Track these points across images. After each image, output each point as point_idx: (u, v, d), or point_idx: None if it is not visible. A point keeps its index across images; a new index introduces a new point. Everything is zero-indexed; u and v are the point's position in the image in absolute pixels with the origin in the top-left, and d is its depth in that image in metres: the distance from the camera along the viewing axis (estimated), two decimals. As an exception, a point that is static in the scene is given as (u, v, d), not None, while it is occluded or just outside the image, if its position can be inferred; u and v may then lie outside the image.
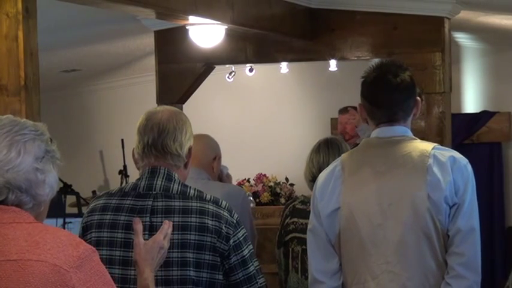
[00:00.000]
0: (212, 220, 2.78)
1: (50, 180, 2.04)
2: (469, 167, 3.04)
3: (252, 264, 2.84)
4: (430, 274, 2.99)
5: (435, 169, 2.99)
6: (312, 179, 3.88)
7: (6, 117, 2.06)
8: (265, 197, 8.03)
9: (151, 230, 2.71)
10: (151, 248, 2.60)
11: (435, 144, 3.14)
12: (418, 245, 2.99)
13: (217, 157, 4.10)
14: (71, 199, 7.36)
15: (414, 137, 3.15)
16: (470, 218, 2.99)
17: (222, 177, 4.23)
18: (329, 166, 3.23)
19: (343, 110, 7.16)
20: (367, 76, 3.16)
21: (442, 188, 2.97)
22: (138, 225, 2.65)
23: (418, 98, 3.18)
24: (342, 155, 3.27)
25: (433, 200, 2.97)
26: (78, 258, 1.93)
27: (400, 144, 3.10)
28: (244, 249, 2.83)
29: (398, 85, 3.10)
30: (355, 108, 6.83)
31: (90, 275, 1.94)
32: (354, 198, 3.07)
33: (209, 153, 4.06)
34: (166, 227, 2.64)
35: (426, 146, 3.08)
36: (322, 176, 3.20)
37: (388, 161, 3.08)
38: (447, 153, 3.05)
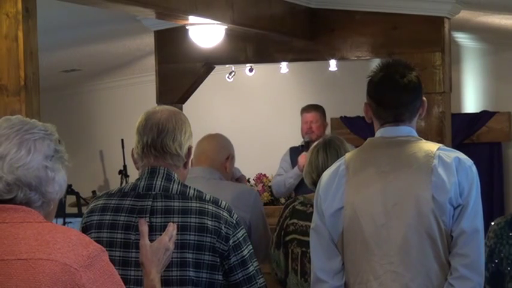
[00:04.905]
0: (212, 220, 2.77)
1: (59, 178, 2.07)
2: (474, 168, 3.04)
3: (252, 265, 2.84)
4: (433, 275, 2.99)
5: (440, 170, 2.98)
6: (312, 183, 3.87)
7: (16, 117, 2.09)
8: (265, 197, 8.02)
9: (150, 230, 2.71)
10: (158, 249, 2.62)
11: (440, 145, 3.13)
12: (422, 245, 2.98)
13: (230, 156, 4.08)
14: (70, 199, 7.38)
15: (419, 137, 3.14)
16: (474, 219, 2.98)
17: (232, 180, 4.23)
18: (333, 165, 3.22)
19: (308, 108, 6.77)
20: (374, 76, 3.15)
21: (446, 189, 2.96)
22: (144, 227, 2.66)
23: (424, 98, 3.18)
24: (346, 154, 3.26)
25: (437, 201, 2.96)
26: (87, 257, 1.95)
27: (405, 145, 3.09)
28: (244, 250, 2.82)
29: (406, 86, 3.10)
30: (320, 107, 6.80)
31: (100, 275, 1.95)
32: (358, 198, 3.07)
33: (222, 153, 4.06)
34: (171, 228, 2.66)
35: (431, 147, 3.08)
36: (326, 175, 3.19)
37: (393, 161, 3.08)
38: (452, 154, 3.04)
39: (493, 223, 3.29)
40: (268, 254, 4.07)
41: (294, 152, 6.76)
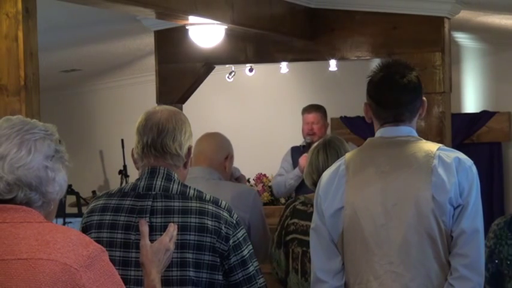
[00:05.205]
0: (212, 220, 2.77)
1: (60, 178, 2.08)
2: (474, 168, 3.04)
3: (252, 265, 2.84)
4: (433, 275, 2.99)
5: (440, 170, 2.99)
6: (313, 183, 3.87)
7: (16, 117, 2.10)
8: (265, 197, 8.02)
9: (150, 230, 2.71)
10: (158, 249, 2.62)
11: (440, 145, 3.13)
12: (422, 245, 2.99)
13: (229, 156, 4.08)
14: (70, 199, 7.38)
15: (419, 137, 3.15)
16: (474, 219, 2.98)
17: (232, 179, 4.22)
18: (333, 165, 3.23)
19: (309, 108, 6.75)
20: (374, 76, 3.16)
21: (446, 189, 2.96)
22: (145, 227, 2.66)
23: (424, 98, 3.18)
24: (346, 154, 3.27)
25: (437, 201, 2.96)
26: (88, 257, 1.96)
27: (405, 145, 3.10)
28: (244, 250, 2.82)
29: (406, 86, 3.10)
30: (321, 107, 6.79)
31: (100, 275, 1.96)
32: (358, 198, 3.07)
33: (221, 153, 4.05)
34: (172, 229, 2.66)
35: (431, 147, 3.08)
36: (326, 175, 3.20)
37: (393, 161, 3.08)
38: (452, 154, 3.05)
39: (493, 224, 3.30)
40: (268, 254, 4.07)
41: (295, 152, 6.75)
